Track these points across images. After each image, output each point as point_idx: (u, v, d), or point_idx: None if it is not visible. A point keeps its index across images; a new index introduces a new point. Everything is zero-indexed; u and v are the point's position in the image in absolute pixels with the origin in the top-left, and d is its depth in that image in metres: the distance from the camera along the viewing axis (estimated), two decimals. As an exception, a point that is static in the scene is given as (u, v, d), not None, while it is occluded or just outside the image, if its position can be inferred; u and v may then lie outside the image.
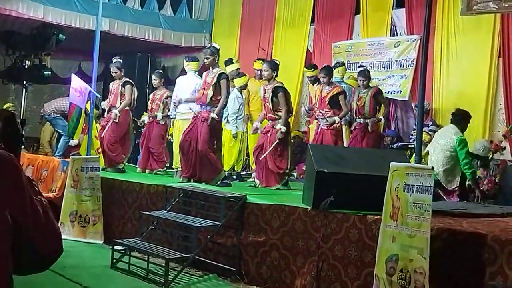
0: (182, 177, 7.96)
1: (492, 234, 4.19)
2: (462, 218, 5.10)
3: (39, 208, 1.82)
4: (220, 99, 7.81)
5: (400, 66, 10.29)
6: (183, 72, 9.34)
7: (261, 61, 9.44)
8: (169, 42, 13.44)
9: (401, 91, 10.19)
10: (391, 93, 10.23)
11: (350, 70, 10.86)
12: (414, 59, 10.03)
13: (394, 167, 4.65)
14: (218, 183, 7.65)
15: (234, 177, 8.97)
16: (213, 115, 7.71)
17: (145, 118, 9.99)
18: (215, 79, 7.80)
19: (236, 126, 9.22)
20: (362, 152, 7.28)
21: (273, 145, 7.76)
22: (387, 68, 10.50)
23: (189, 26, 13.81)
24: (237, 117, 9.21)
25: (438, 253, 4.25)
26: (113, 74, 9.60)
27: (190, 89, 8.86)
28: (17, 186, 1.77)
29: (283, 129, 7.79)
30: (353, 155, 6.06)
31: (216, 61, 7.95)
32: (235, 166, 9.23)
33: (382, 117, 9.47)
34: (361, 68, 9.56)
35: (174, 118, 9.39)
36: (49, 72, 8.66)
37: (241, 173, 9.74)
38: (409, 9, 10.35)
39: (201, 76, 8.48)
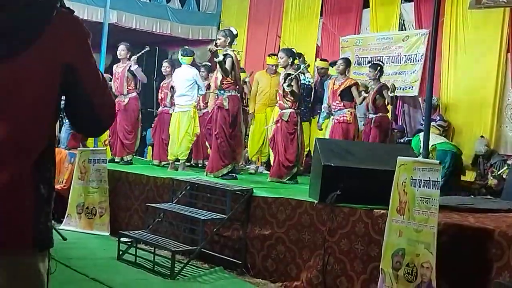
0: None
1: (499, 230, 4.18)
2: (468, 213, 5.10)
3: (100, 73, 1.98)
4: (230, 81, 7.78)
5: (410, 61, 10.26)
6: (179, 64, 9.27)
7: (274, 56, 9.38)
8: (176, 34, 13.42)
9: (412, 87, 10.17)
10: (402, 89, 10.19)
11: (359, 64, 10.84)
12: (423, 54, 9.99)
13: (401, 161, 4.64)
14: (223, 175, 7.67)
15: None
16: (225, 96, 7.74)
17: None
18: (221, 57, 7.68)
19: None
20: (369, 146, 7.28)
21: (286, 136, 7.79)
22: (396, 63, 10.47)
23: (197, 19, 13.79)
24: None
25: (444, 248, 4.24)
26: (120, 53, 9.29)
27: (187, 81, 8.81)
28: (86, 43, 1.92)
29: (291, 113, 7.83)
30: (360, 149, 6.05)
31: (227, 44, 7.80)
32: None
33: (388, 115, 9.45)
34: (375, 62, 9.52)
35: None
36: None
37: (247, 166, 9.75)
38: (417, 3, 10.32)
39: (196, 67, 8.50)
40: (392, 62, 10.49)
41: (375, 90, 9.04)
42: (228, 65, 7.69)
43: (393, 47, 10.49)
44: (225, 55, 7.72)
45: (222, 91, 7.78)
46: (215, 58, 7.75)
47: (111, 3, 9.73)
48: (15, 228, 1.82)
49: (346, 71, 8.72)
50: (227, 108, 7.71)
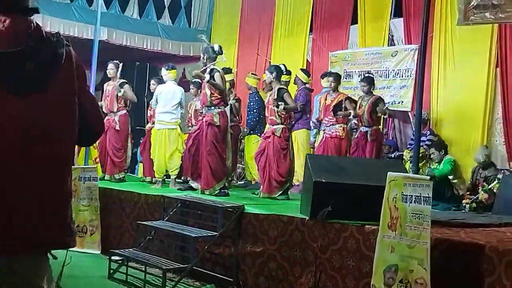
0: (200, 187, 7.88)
1: (490, 245, 4.17)
2: (459, 228, 5.10)
3: (91, 94, 2.53)
4: (219, 97, 7.82)
5: (400, 76, 10.29)
6: (162, 81, 9.30)
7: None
8: (167, 51, 13.46)
9: (402, 102, 10.18)
10: (392, 103, 10.20)
11: (346, 79, 10.87)
12: (413, 69, 10.03)
13: (392, 177, 4.64)
14: (216, 192, 7.64)
15: None
16: (215, 113, 7.73)
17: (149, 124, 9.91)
18: (208, 77, 7.77)
19: None
20: (360, 162, 7.28)
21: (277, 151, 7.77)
22: (384, 77, 10.50)
23: (188, 35, 13.83)
24: None
25: (436, 263, 4.23)
26: (109, 71, 9.39)
27: (173, 100, 8.79)
28: (84, 72, 2.43)
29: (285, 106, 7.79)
30: (351, 165, 6.05)
31: (205, 60, 7.92)
32: None
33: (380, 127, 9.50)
34: (366, 75, 9.56)
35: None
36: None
37: (239, 182, 9.71)
38: (407, 19, 10.37)
39: (186, 83, 8.53)
40: (380, 76, 10.51)
41: (370, 103, 9.06)
42: (218, 80, 7.76)
43: (382, 62, 10.52)
44: (212, 70, 7.76)
45: (212, 108, 7.79)
46: (205, 80, 7.80)
47: (102, 21, 9.74)
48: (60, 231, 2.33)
49: (338, 87, 8.85)
50: (218, 124, 7.73)
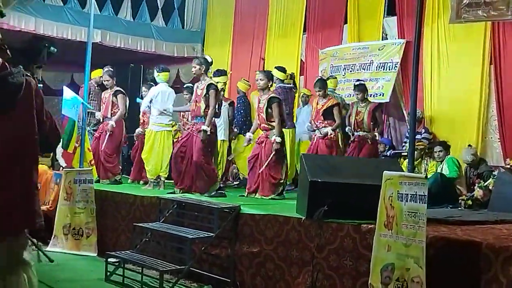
0: (176, 189, 7.92)
1: (486, 242, 4.17)
2: (456, 226, 5.10)
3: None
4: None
5: (383, 69, 10.28)
6: (155, 82, 9.33)
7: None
8: (161, 52, 13.47)
9: (383, 94, 10.19)
10: (373, 95, 10.14)
11: (333, 73, 10.86)
12: (397, 62, 10.04)
13: (387, 176, 4.64)
14: (213, 193, 7.66)
15: None
16: (204, 127, 7.70)
17: (139, 130, 9.95)
18: (204, 91, 7.81)
19: None
20: (355, 161, 7.28)
21: (270, 157, 7.78)
22: (367, 70, 10.49)
23: (181, 37, 13.84)
24: None
25: (432, 262, 4.23)
26: (105, 83, 9.58)
27: (169, 102, 8.79)
28: (40, 94, 3.26)
29: (278, 139, 7.81)
30: (346, 165, 6.05)
31: (203, 71, 7.92)
32: None
33: (377, 134, 9.51)
34: (357, 83, 9.59)
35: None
36: (41, 85, 8.61)
37: (234, 183, 9.70)
38: (400, 17, 10.38)
39: (179, 86, 8.57)
40: (363, 69, 10.52)
41: (370, 109, 9.03)
42: (212, 97, 7.80)
43: (368, 56, 10.52)
44: (208, 86, 7.77)
45: (203, 118, 7.81)
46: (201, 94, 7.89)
47: (95, 23, 9.70)
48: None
49: (326, 91, 8.96)
50: (209, 134, 7.79)
